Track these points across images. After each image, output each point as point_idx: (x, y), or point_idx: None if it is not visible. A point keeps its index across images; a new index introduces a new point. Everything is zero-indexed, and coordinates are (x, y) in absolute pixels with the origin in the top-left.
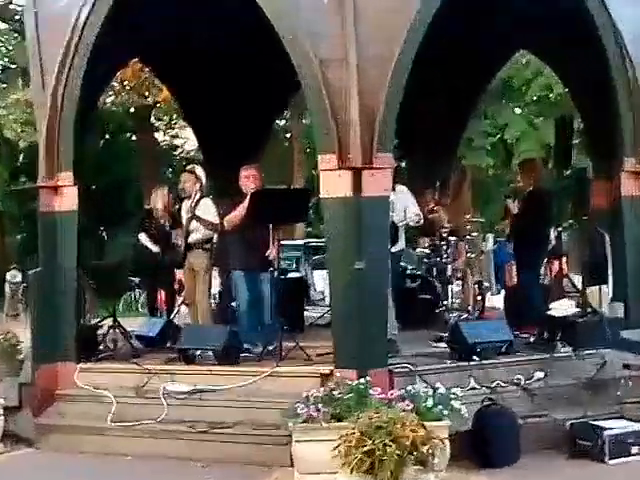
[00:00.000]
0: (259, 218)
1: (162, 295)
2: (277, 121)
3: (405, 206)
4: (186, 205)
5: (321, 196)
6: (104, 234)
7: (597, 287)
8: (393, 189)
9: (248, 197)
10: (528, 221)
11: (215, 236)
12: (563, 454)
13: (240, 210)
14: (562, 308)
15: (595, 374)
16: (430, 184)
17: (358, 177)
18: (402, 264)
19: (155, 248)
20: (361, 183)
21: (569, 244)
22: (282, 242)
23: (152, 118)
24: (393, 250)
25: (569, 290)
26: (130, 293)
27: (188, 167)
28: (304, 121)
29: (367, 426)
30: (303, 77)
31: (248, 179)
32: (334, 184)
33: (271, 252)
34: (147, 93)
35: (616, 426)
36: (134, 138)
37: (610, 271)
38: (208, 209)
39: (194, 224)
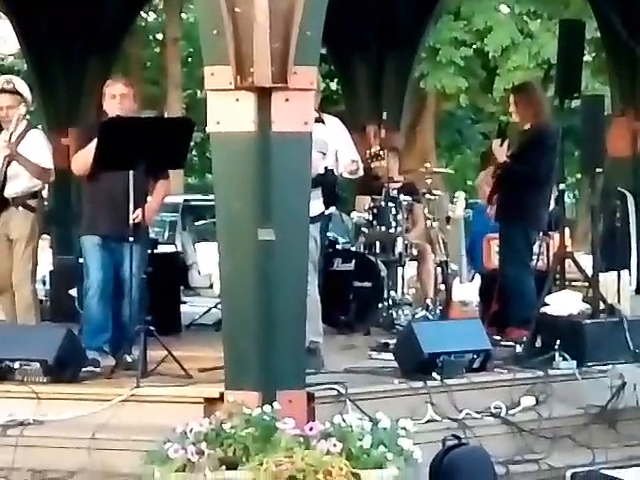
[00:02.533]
0: (109, 161)
1: None
2: (142, 14)
3: (336, 148)
4: (2, 140)
5: (209, 130)
6: None
7: (614, 273)
8: (320, 121)
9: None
10: (522, 175)
11: (46, 188)
12: None
13: (94, 146)
14: (563, 304)
15: (610, 401)
16: (374, 116)
17: (266, 102)
18: (330, 235)
19: None
20: (270, 111)
21: (575, 210)
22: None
23: None
24: (315, 214)
25: (573, 277)
26: None
27: (3, 81)
28: (185, 16)
29: (274, 476)
30: None
31: (114, 99)
32: (229, 112)
33: (137, 214)
34: None
35: (637, 477)
36: None
37: (634, 250)
38: (36, 146)
39: (14, 168)
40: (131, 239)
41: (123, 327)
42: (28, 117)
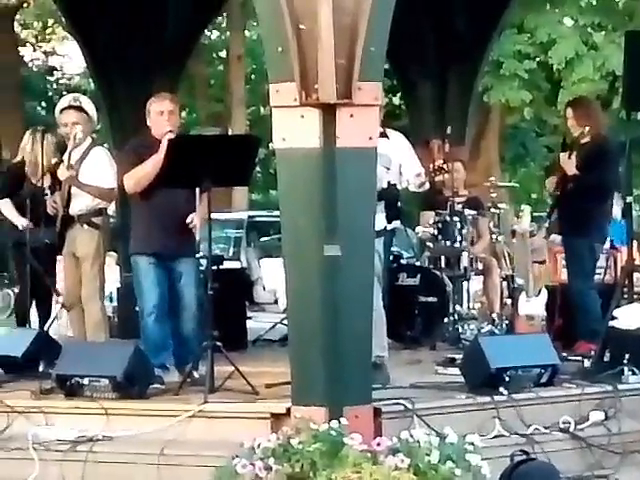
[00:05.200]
0: (178, 179)
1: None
2: (207, 32)
3: (400, 162)
4: (67, 158)
5: (274, 146)
6: None
7: None
8: (384, 136)
9: (164, 145)
10: (593, 186)
11: (112, 205)
12: None
13: (152, 164)
14: (632, 317)
15: None
16: (437, 130)
17: (331, 118)
18: (394, 250)
19: (22, 222)
20: (335, 127)
21: None
22: (214, 215)
23: (16, 25)
24: (379, 228)
25: None
26: None
27: (70, 98)
28: (248, 33)
29: None
30: None
31: (161, 116)
32: (294, 128)
33: (194, 221)
34: None
35: None
36: None
37: None
38: (97, 166)
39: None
40: (195, 255)
41: (185, 342)
42: (93, 135)
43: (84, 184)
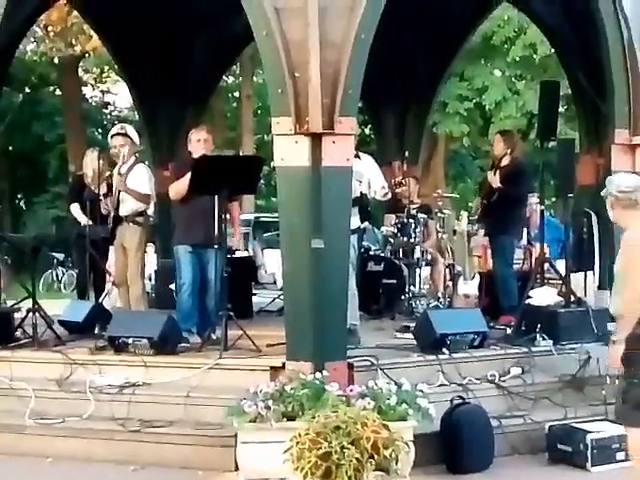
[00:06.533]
0: (201, 188)
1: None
2: (224, 77)
3: (369, 178)
4: (117, 171)
5: (274, 165)
6: (22, 203)
7: (582, 274)
8: (358, 157)
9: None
10: (513, 196)
11: (151, 208)
12: (541, 460)
13: (185, 182)
14: (543, 297)
15: (578, 371)
16: (398, 153)
17: (317, 144)
18: (365, 244)
19: (83, 219)
20: (321, 151)
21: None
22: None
23: (80, 70)
24: (353, 227)
25: (551, 277)
26: (51, 271)
27: (118, 127)
28: (255, 79)
29: (323, 426)
30: (256, 27)
31: (199, 143)
32: (290, 151)
33: (235, 234)
34: (74, 41)
35: (600, 429)
36: (58, 93)
37: (597, 256)
38: (140, 178)
39: (124, 194)
40: (215, 246)
41: (207, 314)
42: (137, 154)
43: (129, 188)
